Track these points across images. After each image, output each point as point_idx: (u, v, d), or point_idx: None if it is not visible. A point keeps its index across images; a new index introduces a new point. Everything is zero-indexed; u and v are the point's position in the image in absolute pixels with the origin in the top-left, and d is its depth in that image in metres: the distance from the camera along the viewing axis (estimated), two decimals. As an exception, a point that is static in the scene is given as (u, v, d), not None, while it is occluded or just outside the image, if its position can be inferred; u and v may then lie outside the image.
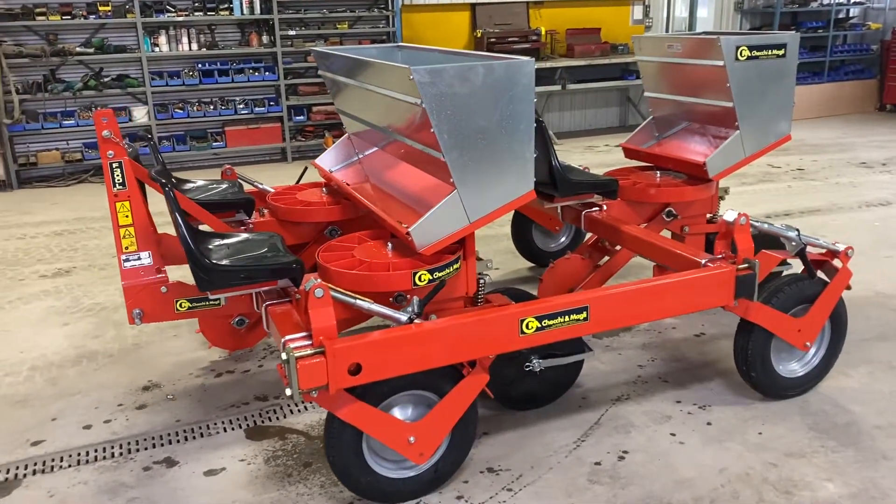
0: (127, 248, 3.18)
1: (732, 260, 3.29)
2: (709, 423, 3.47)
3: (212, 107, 9.47)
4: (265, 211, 4.20)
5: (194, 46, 9.33)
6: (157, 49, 9.15)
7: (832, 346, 3.64)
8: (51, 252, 6.34)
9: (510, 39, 10.55)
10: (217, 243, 3.10)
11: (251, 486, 3.13)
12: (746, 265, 3.25)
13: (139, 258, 3.18)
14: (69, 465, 3.33)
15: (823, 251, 3.58)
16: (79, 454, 3.42)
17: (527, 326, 2.89)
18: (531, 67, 2.99)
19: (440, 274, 3.06)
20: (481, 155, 3.01)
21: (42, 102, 8.88)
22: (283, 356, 2.55)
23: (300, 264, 2.95)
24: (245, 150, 9.78)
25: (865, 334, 4.32)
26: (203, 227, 3.60)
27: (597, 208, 4.24)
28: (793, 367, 3.61)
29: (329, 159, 4.38)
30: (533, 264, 5.56)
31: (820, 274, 3.55)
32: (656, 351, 4.21)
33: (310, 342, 2.63)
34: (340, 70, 3.87)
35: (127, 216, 3.20)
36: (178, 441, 3.51)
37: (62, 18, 8.71)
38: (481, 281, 3.50)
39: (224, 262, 2.86)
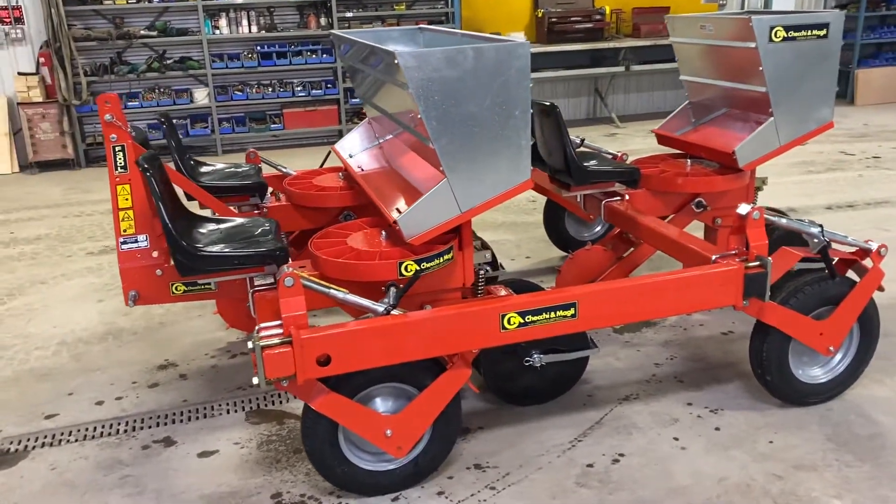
0: (125, 230, 3.22)
1: (745, 257, 3.08)
2: (717, 429, 3.28)
3: (270, 89, 9.60)
4: (281, 196, 4.21)
5: (254, 29, 9.47)
6: (217, 32, 9.33)
7: (861, 352, 3.37)
8: (102, 230, 6.57)
9: (572, 19, 10.26)
10: (207, 228, 3.11)
11: (239, 470, 3.15)
12: (758, 263, 3.03)
13: (136, 241, 3.22)
14: (76, 440, 3.44)
15: (853, 249, 3.31)
16: (86, 429, 3.52)
17: (508, 322, 2.78)
18: (525, 50, 2.86)
19: (429, 265, 2.98)
20: (472, 142, 2.90)
21: (108, 84, 9.20)
22: (249, 344, 2.53)
23: (284, 251, 2.93)
24: (303, 133, 9.89)
25: (911, 339, 4.00)
26: (207, 212, 3.63)
27: (618, 198, 4.05)
28: (815, 373, 3.37)
29: (349, 144, 4.35)
30: (566, 254, 5.39)
31: (851, 274, 3.30)
32: (677, 348, 4.02)
33: (282, 331, 2.61)
34: (352, 55, 3.81)
35: (127, 199, 3.25)
36: (182, 421, 3.56)
37: (128, 2, 8.99)
38: (481, 272, 3.41)
39: (206, 247, 2.86)
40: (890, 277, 4.67)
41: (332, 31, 4.25)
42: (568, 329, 2.88)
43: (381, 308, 2.72)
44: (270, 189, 4.26)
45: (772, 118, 3.83)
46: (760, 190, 4.35)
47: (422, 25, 4.41)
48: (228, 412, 3.62)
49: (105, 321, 4.67)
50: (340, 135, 10.03)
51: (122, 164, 3.28)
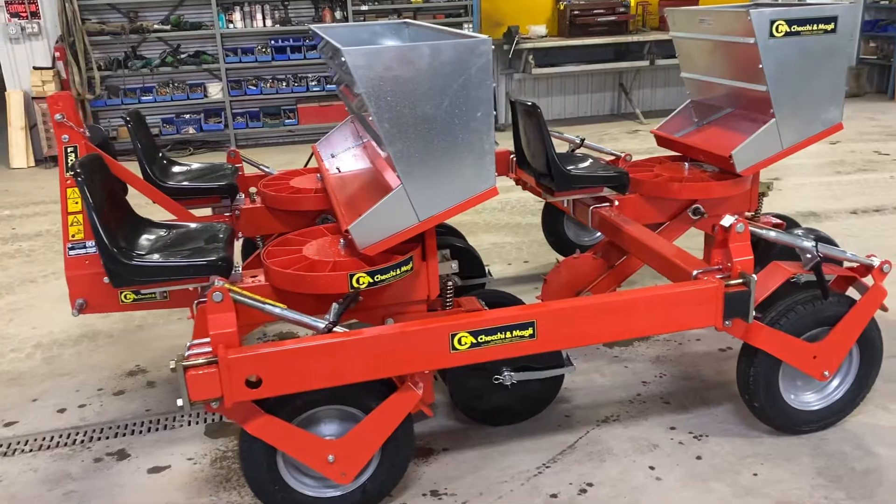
0: (74, 236, 3.09)
1: (727, 273, 2.82)
2: (699, 457, 3.02)
3: (284, 83, 9.49)
4: (256, 197, 4.05)
5: (268, 23, 9.35)
6: (231, 26, 9.24)
7: (861, 378, 3.08)
8: (101, 227, 6.50)
9: (595, 12, 9.93)
10: (154, 235, 2.96)
11: (186, 488, 3.00)
12: (741, 280, 2.77)
13: (85, 247, 3.09)
14: (30, 450, 3.33)
15: (854, 265, 3.02)
16: (43, 439, 3.41)
17: (459, 342, 2.57)
18: (487, 47, 2.63)
19: (383, 277, 2.78)
20: (430, 147, 2.69)
21: (122, 79, 9.18)
22: (172, 364, 2.37)
23: (226, 261, 2.76)
24: (317, 128, 9.74)
25: (926, 361, 3.68)
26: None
27: (607, 203, 3.80)
28: (808, 399, 3.09)
29: (331, 143, 4.17)
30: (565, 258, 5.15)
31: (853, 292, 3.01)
32: (668, 366, 3.76)
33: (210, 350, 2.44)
34: (323, 51, 3.63)
35: (77, 203, 3.11)
36: (140, 432, 3.43)
37: (142, -4, 8.94)
38: (449, 283, 3.20)
39: (143, 255, 2.70)
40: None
41: (311, 25, 4.07)
42: (526, 350, 2.66)
43: (321, 325, 2.54)
44: (254, 189, 4.11)
45: (773, 119, 3.54)
46: (765, 195, 4.05)
47: (407, 20, 4.21)
48: (189, 424, 3.48)
49: (83, 323, 4.57)
50: (355, 130, 9.87)
51: (71, 164, 3.14)
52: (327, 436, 2.67)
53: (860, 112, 10.37)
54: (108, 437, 3.41)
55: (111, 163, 3.30)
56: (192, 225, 3.12)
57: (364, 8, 9.45)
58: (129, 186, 3.54)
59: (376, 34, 4.07)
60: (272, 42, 9.39)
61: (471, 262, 4.27)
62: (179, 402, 2.40)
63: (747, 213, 4.05)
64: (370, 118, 2.66)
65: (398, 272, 2.83)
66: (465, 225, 6.09)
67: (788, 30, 3.41)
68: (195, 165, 4.14)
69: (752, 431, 3.16)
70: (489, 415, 3.26)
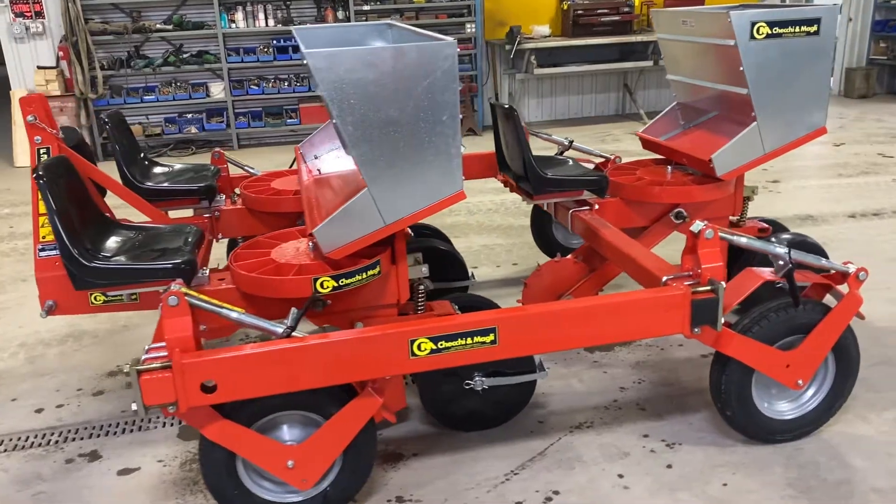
0: (44, 237, 3.09)
1: (696, 280, 2.78)
2: (669, 466, 2.98)
3: (287, 83, 9.50)
4: (237, 198, 4.04)
5: (270, 23, 9.37)
6: (233, 25, 9.26)
7: (837, 387, 3.03)
8: (97, 226, 6.53)
9: (599, 11, 9.87)
10: (122, 237, 2.96)
11: (153, 491, 3.00)
12: (709, 287, 2.72)
13: (55, 249, 3.09)
14: (4, 450, 3.34)
15: (830, 272, 2.97)
16: (18, 439, 3.42)
17: (418, 348, 2.54)
18: (452, 50, 2.61)
19: (348, 281, 2.77)
20: (396, 150, 2.67)
21: (125, 78, 9.22)
22: (125, 368, 2.36)
23: (190, 265, 2.75)
24: (319, 128, 9.73)
25: (912, 369, 3.62)
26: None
27: (587, 207, 3.76)
28: (782, 408, 3.03)
29: (315, 144, 4.16)
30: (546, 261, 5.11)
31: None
32: (648, 371, 3.71)
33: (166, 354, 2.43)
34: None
35: (48, 204, 3.11)
36: (115, 433, 3.43)
37: (145, -4, 8.98)
38: (421, 287, 3.18)
39: (107, 258, 2.70)
40: (892, 298, 4.31)
41: (293, 27, 4.06)
42: (488, 357, 2.63)
43: (280, 329, 2.52)
44: (237, 190, 4.11)
45: (755, 123, 3.49)
46: (750, 199, 3.99)
47: (390, 21, 4.19)
48: (164, 425, 3.47)
49: (70, 322, 4.59)
50: (357, 130, 9.86)
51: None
52: (289, 441, 2.66)
53: (868, 113, 10.24)
54: (82, 438, 3.41)
55: (84, 165, 3.31)
56: (163, 227, 3.12)
57: (366, 8, 9.44)
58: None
59: (358, 36, 4.04)
60: (274, 42, 9.41)
61: (453, 266, 4.25)
62: (134, 407, 2.39)
63: (732, 218, 4.01)
64: (333, 120, 2.64)
65: (364, 276, 2.81)
66: (457, 227, 6.07)
67: (770, 32, 3.36)
68: (177, 166, 4.14)
69: (726, 440, 3.11)
70: (461, 420, 3.24)
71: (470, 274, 4.31)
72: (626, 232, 3.77)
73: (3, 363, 4.14)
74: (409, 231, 4.26)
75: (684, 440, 3.15)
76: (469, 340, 2.57)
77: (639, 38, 9.85)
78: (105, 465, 3.20)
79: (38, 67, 8.96)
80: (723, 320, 2.76)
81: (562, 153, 4.58)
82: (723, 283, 2.71)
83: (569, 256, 3.95)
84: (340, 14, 9.45)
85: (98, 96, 8.98)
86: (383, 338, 2.52)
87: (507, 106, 3.66)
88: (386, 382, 2.66)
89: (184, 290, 2.44)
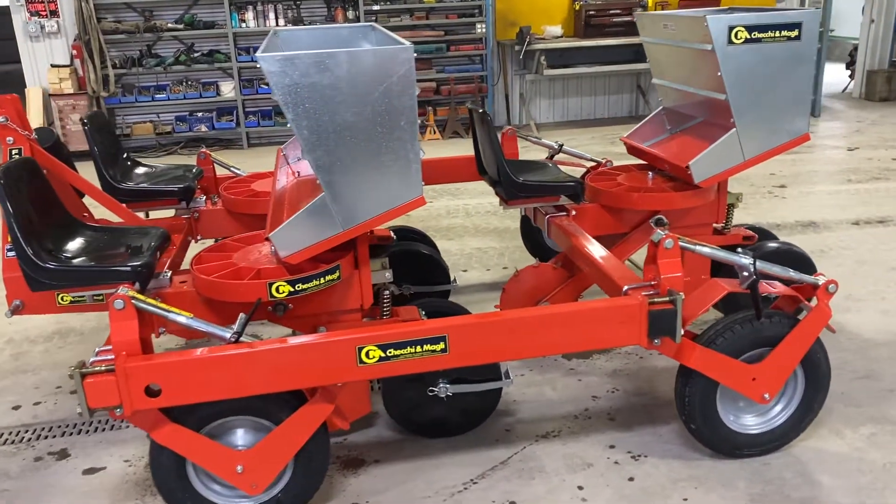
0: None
1: (655, 290, 2.72)
2: (631, 479, 2.93)
3: (296, 82, 9.52)
4: (217, 200, 4.06)
5: (281, 22, 9.40)
6: (244, 25, 9.31)
7: (807, 402, 2.95)
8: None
9: (611, 12, 9.77)
10: (86, 238, 2.97)
11: (114, 492, 3.02)
12: (667, 298, 2.67)
13: (22, 249, 3.12)
14: (-21, 446, 3.39)
15: (801, 284, 2.89)
16: (-8, 436, 3.47)
17: (367, 355, 2.52)
18: (409, 55, 2.59)
19: (305, 286, 2.76)
20: (353, 155, 2.66)
21: (136, 77, 9.32)
22: (69, 371, 2.37)
23: (147, 267, 2.76)
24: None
25: (894, 384, 3.52)
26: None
27: (564, 213, 3.72)
28: (749, 422, 2.97)
29: (295, 146, 4.15)
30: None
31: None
32: (624, 380, 3.66)
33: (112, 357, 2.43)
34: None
35: (17, 205, 3.14)
36: (87, 432, 3.46)
37: (157, -5, 9.07)
38: (386, 293, 3.16)
39: (64, 260, 2.72)
40: (886, 309, 4.20)
41: (275, 28, 4.05)
42: (439, 365, 2.60)
43: (227, 334, 2.52)
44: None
45: (734, 129, 3.42)
46: (734, 207, 3.91)
47: (373, 24, 4.17)
48: (136, 425, 3.49)
49: (59, 319, 4.64)
50: (366, 130, 9.86)
51: (17, 167, 3.17)
52: (242, 445, 2.65)
53: (888, 117, 10.02)
54: (54, 436, 3.44)
55: (55, 165, 3.34)
56: (130, 228, 3.14)
57: (376, 8, 9.44)
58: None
59: (340, 38, 4.03)
60: (284, 41, 9.43)
61: (435, 270, 4.23)
62: (79, 410, 2.41)
63: (717, 225, 3.94)
64: (289, 124, 2.63)
65: (322, 281, 2.79)
66: (453, 229, 6.04)
67: (749, 36, 3.28)
68: (160, 167, 4.17)
69: (692, 453, 3.05)
70: (425, 427, 3.21)
71: (452, 279, 4.28)
72: (606, 238, 3.73)
73: (-11, 357, 4.20)
74: (392, 234, 4.28)
75: (650, 452, 3.09)
76: (419, 349, 2.55)
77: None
78: (72, 464, 3.23)
79: (52, 66, 9.08)
80: (682, 332, 2.70)
81: (552, 157, 4.54)
82: (681, 294, 2.66)
83: (548, 262, 3.91)
84: (350, 14, 9.46)
85: (110, 94, 9.09)
86: (330, 345, 2.50)
87: (480, 110, 3.63)
88: (338, 389, 2.65)
89: (131, 293, 2.44)
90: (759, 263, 2.77)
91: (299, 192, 3.15)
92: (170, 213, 4.02)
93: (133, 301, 2.43)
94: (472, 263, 5.29)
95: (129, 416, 2.45)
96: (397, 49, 2.59)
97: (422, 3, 9.61)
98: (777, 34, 3.31)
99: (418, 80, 9.44)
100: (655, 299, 2.66)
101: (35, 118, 9.17)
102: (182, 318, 2.50)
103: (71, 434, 3.45)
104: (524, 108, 10.22)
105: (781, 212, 6.17)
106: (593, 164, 4.38)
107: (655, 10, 10.20)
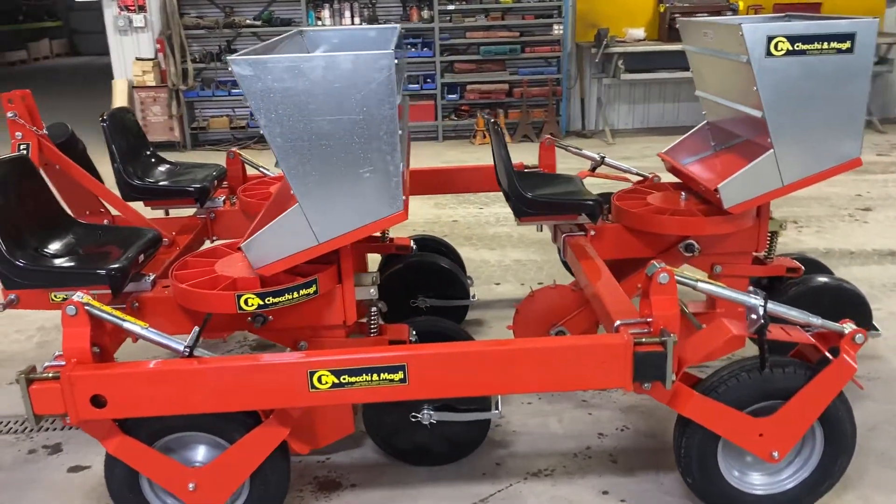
0: (10, 233, 3.15)
1: (646, 329, 2.45)
2: (617, 533, 2.67)
3: (368, 81, 9.51)
4: (235, 201, 4.02)
5: (356, 20, 9.41)
6: (319, 23, 9.36)
7: (825, 465, 2.60)
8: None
9: (697, 15, 9.25)
10: (76, 238, 2.96)
11: (92, 492, 3.00)
12: (656, 339, 2.39)
13: (21, 244, 3.14)
14: (-14, 434, 3.46)
15: (824, 331, 2.55)
16: (1, 424, 3.54)
17: (319, 381, 2.37)
18: (388, 62, 2.43)
19: (276, 299, 2.65)
20: (329, 165, 2.52)
21: (214, 71, 9.54)
22: (15, 376, 2.34)
23: (122, 271, 2.71)
24: (398, 126, 9.70)
25: (949, 446, 3.09)
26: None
27: (582, 232, 3.46)
28: (754, 481, 2.64)
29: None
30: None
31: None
32: (638, 418, 3.37)
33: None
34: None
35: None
36: (85, 428, 3.48)
37: (237, -8, 9.26)
38: (373, 310, 3.01)
39: (40, 260, 2.70)
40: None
41: (302, 27, 3.97)
42: (398, 396, 2.42)
43: (180, 347, 2.43)
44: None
45: (770, 151, 3.07)
46: (778, 235, 3.54)
47: (394, 26, 4.02)
48: (132, 424, 3.48)
49: (92, 310, 4.73)
50: (436, 131, 9.76)
51: (25, 162, 3.21)
52: (197, 462, 2.56)
53: None
54: (54, 430, 3.47)
55: (62, 161, 3.36)
56: (123, 229, 3.11)
57: (451, 7, 9.29)
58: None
59: (366, 39, 3.90)
60: (358, 40, 9.43)
61: (454, 284, 4.06)
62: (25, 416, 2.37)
63: (758, 255, 3.58)
64: (262, 131, 2.52)
65: (296, 295, 2.67)
66: (497, 238, 5.83)
67: (790, 48, 2.93)
68: (186, 165, 4.16)
69: (692, 509, 2.76)
70: (408, 453, 3.04)
71: (472, 294, 4.10)
72: (629, 263, 3.46)
73: (18, 345, 4.31)
74: (412, 245, 4.13)
75: (647, 502, 2.81)
76: (376, 377, 2.38)
77: (741, 44, 9.16)
78: (61, 460, 3.24)
79: (137, 59, 9.41)
80: (674, 377, 2.42)
81: (594, 170, 4.27)
82: (674, 335, 2.38)
83: (567, 284, 3.65)
84: (425, 13, 9.36)
85: (188, 88, 9.33)
86: (280, 367, 2.37)
87: (492, 120, 3.41)
88: (295, 413, 2.51)
89: (85, 299, 2.39)
90: (770, 305, 2.45)
91: (279, 201, 3.04)
92: (191, 211, 4.01)
93: (86, 307, 2.37)
94: (508, 276, 5.07)
95: (78, 425, 2.39)
96: (376, 55, 2.43)
97: (498, 3, 9.39)
98: (825, 46, 2.94)
99: (490, 82, 9.28)
100: (644, 339, 2.39)
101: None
102: (137, 327, 2.43)
103: (70, 428, 3.47)
104: (601, 114, 9.85)
105: (859, 238, 5.63)
106: (639, 178, 4.08)
107: (748, 13, 9.61)
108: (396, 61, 2.44)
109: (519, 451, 3.17)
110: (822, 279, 3.53)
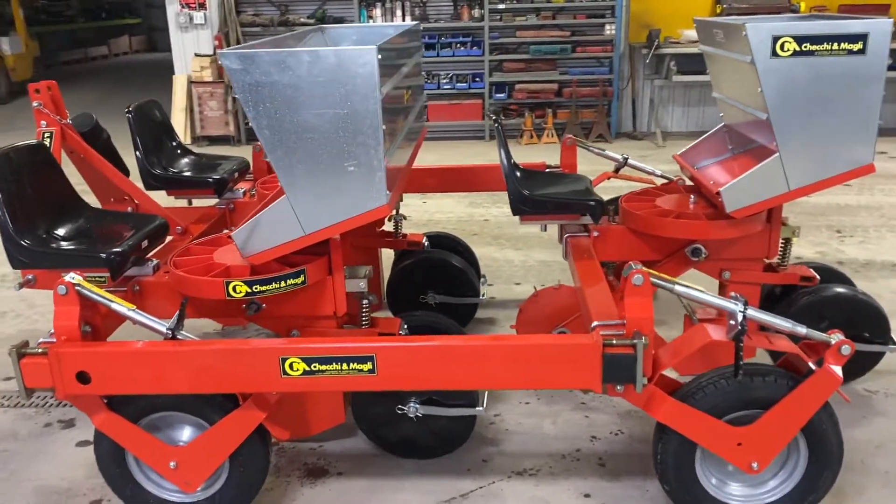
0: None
1: (620, 331, 2.42)
2: (591, 536, 2.64)
3: (417, 79, 9.59)
4: (255, 192, 4.12)
5: (407, 19, 9.49)
6: (371, 21, 9.49)
7: (808, 480, 2.51)
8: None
9: (757, 16, 8.98)
10: (87, 223, 3.09)
11: (91, 467, 3.11)
12: (627, 341, 2.36)
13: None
14: (8, 406, 3.65)
15: (812, 342, 2.47)
16: (19, 397, 3.72)
17: (291, 367, 2.43)
18: (371, 57, 2.47)
19: (264, 287, 2.72)
20: (314, 158, 2.58)
21: (268, 68, 9.77)
22: (7, 350, 2.47)
23: (121, 256, 2.82)
24: (446, 126, 9.76)
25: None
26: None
27: (585, 233, 3.42)
28: (734, 491, 2.58)
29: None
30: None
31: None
32: (634, 423, 3.32)
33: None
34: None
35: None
36: (100, 405, 3.64)
37: (292, -10, 9.48)
38: (364, 302, 3.05)
39: (54, 242, 2.84)
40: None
41: (323, 25, 4.05)
42: (368, 386, 2.46)
43: (163, 328, 2.52)
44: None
45: (776, 154, 2.98)
46: (791, 241, 3.43)
47: (419, 22, 4.05)
48: (144, 404, 3.63)
49: (125, 294, 4.93)
50: (483, 130, 9.77)
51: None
52: (181, 442, 2.66)
53: None
54: (71, 406, 3.64)
55: (85, 150, 3.52)
56: (132, 215, 3.24)
57: (501, 6, 9.28)
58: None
59: (384, 36, 3.94)
60: (408, 38, 9.52)
61: (463, 282, 4.08)
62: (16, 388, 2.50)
63: (769, 261, 3.48)
64: (250, 123, 2.59)
65: (283, 284, 2.74)
66: (526, 238, 5.81)
67: (797, 48, 2.84)
68: (210, 156, 4.29)
69: (673, 517, 2.70)
70: (396, 445, 3.08)
71: (482, 293, 4.11)
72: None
73: (46, 322, 4.52)
74: (425, 242, 4.16)
75: (626, 508, 2.78)
76: (345, 366, 2.42)
77: (801, 47, 8.86)
78: (72, 435, 3.39)
79: (196, 55, 9.72)
80: (644, 381, 2.38)
81: (617, 171, 4.22)
82: (645, 338, 2.34)
83: (569, 285, 3.62)
84: (476, 12, 9.38)
85: (243, 84, 9.58)
86: (253, 352, 2.44)
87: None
88: (272, 398, 2.58)
89: (76, 280, 2.50)
90: (752, 312, 2.39)
91: (279, 194, 3.11)
92: (214, 202, 4.14)
93: (77, 288, 2.49)
94: (529, 277, 5.05)
95: (66, 398, 2.52)
96: (360, 50, 2.47)
97: (549, 2, 9.33)
98: (835, 47, 2.84)
99: (539, 81, 9.22)
100: (614, 341, 2.36)
101: (179, 104, 9.88)
102: (123, 308, 2.54)
103: (86, 405, 3.64)
104: (653, 116, 9.68)
105: (891, 245, 5.39)
106: (665, 180, 4.02)
107: (810, 13, 9.29)
108: (404, 60, 2.47)
109: (508, 449, 3.16)
110: (837, 289, 3.41)
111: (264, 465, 2.68)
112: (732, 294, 2.44)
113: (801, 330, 2.44)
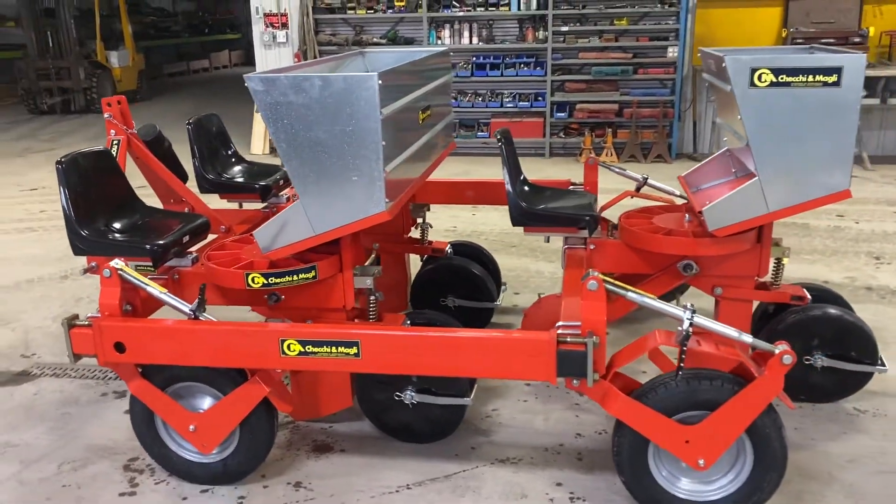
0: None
1: (576, 331, 2.69)
2: (553, 519, 2.91)
3: (481, 98, 9.96)
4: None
5: (474, 40, 9.89)
6: (440, 42, 9.93)
7: (753, 480, 2.70)
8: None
9: (823, 41, 8.94)
10: (142, 219, 3.56)
11: (132, 431, 3.59)
12: (579, 339, 2.62)
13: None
14: (76, 376, 4.18)
15: (761, 350, 2.67)
16: (87, 369, 4.25)
17: (288, 348, 2.81)
18: (373, 83, 2.84)
19: (278, 280, 3.12)
20: (323, 168, 2.97)
21: (342, 84, 10.34)
22: (61, 321, 2.95)
23: (162, 247, 3.28)
24: (508, 142, 10.05)
25: (924, 485, 3.04)
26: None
27: (584, 246, 3.69)
28: (683, 486, 2.79)
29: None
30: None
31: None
32: (620, 425, 3.54)
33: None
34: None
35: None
36: (150, 381, 4.13)
37: (367, 12, 10.01)
38: (372, 298, 3.41)
39: (104, 233, 3.33)
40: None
41: (364, 49, 4.45)
42: (354, 368, 2.82)
43: (186, 309, 2.95)
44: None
45: (756, 178, 3.18)
46: (782, 260, 3.58)
47: (445, 47, 4.39)
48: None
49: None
50: (544, 147, 10.03)
51: (115, 153, 3.91)
52: (200, 409, 3.08)
53: None
54: (124, 380, 4.15)
55: (147, 157, 4.03)
56: (179, 215, 3.71)
57: (564, 29, 9.55)
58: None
59: (424, 59, 4.31)
60: (474, 59, 9.92)
61: (481, 288, 4.39)
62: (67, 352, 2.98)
63: (761, 280, 3.64)
64: (271, 137, 3.00)
65: (295, 278, 3.13)
66: (556, 252, 6.00)
67: (774, 80, 3.05)
68: (262, 166, 4.76)
69: (633, 508, 2.94)
70: (395, 430, 3.42)
71: (497, 299, 4.41)
72: (630, 277, 3.64)
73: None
74: (449, 249, 4.50)
75: (591, 498, 3.02)
76: (334, 349, 2.79)
77: (870, 72, 8.75)
78: (122, 404, 3.88)
79: (276, 71, 10.38)
80: (596, 376, 2.64)
81: (638, 190, 4.45)
82: (596, 337, 2.60)
83: (574, 293, 3.88)
84: (540, 34, 9.68)
85: (318, 99, 10.18)
86: (257, 333, 2.84)
87: (497, 137, 3.73)
88: (277, 375, 2.97)
89: (119, 265, 2.97)
90: (699, 320, 2.62)
91: (293, 198, 3.51)
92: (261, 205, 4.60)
93: (119, 272, 2.95)
94: (555, 288, 5.30)
95: (107, 365, 2.98)
96: (364, 76, 2.85)
97: (613, 25, 9.53)
98: (810, 79, 3.03)
99: (599, 102, 9.43)
100: (568, 339, 2.64)
101: (260, 119, 10.57)
102: (155, 290, 2.98)
103: (138, 380, 4.14)
104: (714, 137, 9.71)
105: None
106: (683, 200, 4.23)
107: (880, 40, 9.17)
108: (418, 82, 2.83)
109: (496, 440, 3.45)
110: (826, 309, 3.54)
111: (270, 436, 3.07)
112: (686, 304, 2.67)
113: (748, 339, 2.65)
